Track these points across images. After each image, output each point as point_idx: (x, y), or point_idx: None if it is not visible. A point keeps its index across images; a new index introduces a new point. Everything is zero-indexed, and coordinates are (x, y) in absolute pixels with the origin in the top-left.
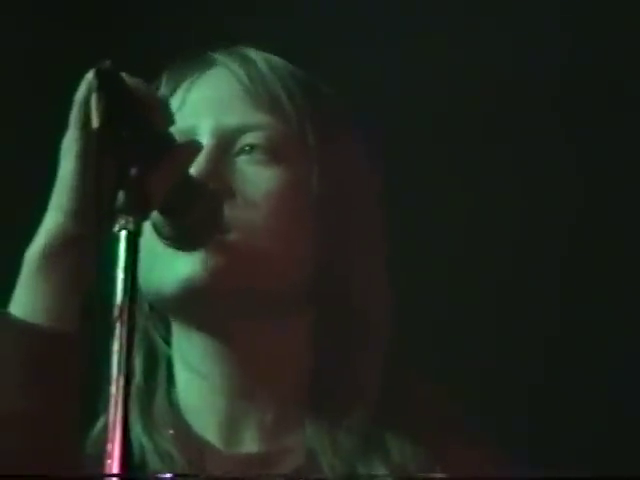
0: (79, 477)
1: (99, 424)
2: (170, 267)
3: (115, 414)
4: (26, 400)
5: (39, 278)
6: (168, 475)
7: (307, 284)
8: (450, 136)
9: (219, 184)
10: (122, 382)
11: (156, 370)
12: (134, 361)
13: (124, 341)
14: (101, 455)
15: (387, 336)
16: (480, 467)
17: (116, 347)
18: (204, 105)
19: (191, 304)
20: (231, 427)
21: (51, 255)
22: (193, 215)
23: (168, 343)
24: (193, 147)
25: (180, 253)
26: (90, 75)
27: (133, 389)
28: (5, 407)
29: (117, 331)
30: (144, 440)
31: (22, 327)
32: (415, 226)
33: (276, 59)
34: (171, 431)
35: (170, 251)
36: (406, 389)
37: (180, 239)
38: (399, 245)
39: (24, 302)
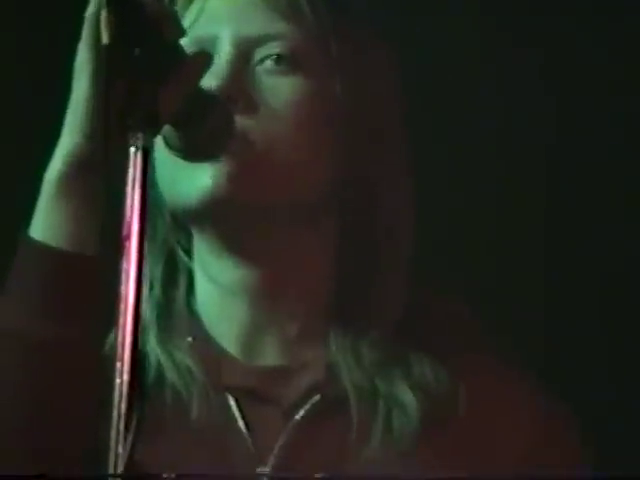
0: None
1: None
2: (192, 178)
3: (124, 334)
4: (48, 322)
5: (58, 201)
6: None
7: (331, 196)
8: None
9: (239, 94)
10: (131, 300)
11: (176, 280)
12: (145, 276)
13: (134, 259)
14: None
15: (411, 253)
16: (497, 384)
17: (125, 265)
18: (223, 13)
19: (213, 215)
20: (251, 339)
21: (69, 178)
22: (203, 127)
23: (189, 254)
24: (203, 58)
25: (202, 165)
26: None
27: (151, 300)
28: (28, 329)
29: (126, 249)
30: (159, 351)
31: (43, 251)
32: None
33: None
34: (189, 339)
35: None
36: (429, 307)
37: (190, 150)
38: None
39: (44, 226)
